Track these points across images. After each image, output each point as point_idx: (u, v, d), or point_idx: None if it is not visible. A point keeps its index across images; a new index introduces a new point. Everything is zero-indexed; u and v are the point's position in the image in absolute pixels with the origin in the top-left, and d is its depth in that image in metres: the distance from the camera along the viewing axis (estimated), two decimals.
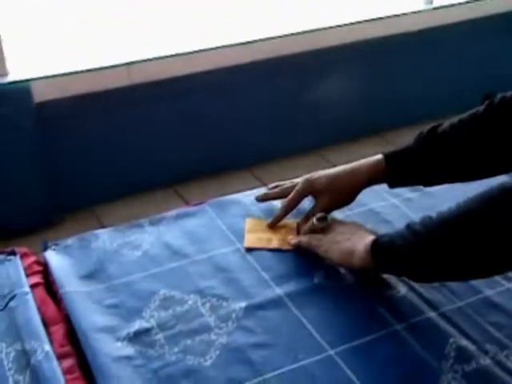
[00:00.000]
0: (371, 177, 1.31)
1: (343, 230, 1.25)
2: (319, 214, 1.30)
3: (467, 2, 3.49)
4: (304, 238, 1.29)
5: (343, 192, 1.33)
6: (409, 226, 1.09)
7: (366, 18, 3.21)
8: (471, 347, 1.04)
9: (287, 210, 1.36)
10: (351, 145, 3.36)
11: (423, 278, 1.12)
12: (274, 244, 1.31)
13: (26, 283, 1.18)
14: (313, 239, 1.27)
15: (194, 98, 2.90)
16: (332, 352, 1.05)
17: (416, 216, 1.33)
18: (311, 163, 3.21)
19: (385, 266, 1.14)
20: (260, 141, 3.14)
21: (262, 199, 1.44)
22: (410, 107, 3.46)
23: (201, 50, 2.83)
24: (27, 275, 1.21)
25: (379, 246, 1.12)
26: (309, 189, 1.35)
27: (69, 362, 1.03)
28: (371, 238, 1.16)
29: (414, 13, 3.40)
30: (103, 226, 2.61)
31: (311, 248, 1.26)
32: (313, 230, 1.29)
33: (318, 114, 3.27)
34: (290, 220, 1.38)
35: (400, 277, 1.19)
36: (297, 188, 1.35)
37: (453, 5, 3.48)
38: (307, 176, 1.36)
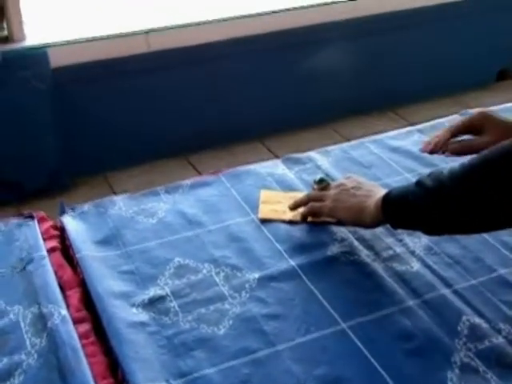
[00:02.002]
0: None
1: (345, 186, 1.25)
2: (318, 176, 1.33)
3: None
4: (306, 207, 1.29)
5: None
6: (419, 181, 1.08)
7: None
8: (484, 325, 1.04)
9: (451, 133, 1.30)
10: (365, 118, 3.35)
11: (436, 230, 1.11)
12: (289, 216, 1.31)
13: (43, 247, 1.19)
14: (314, 202, 1.28)
15: (209, 68, 2.89)
16: (344, 325, 1.06)
17: None
18: (323, 136, 3.21)
19: (397, 221, 1.14)
20: (273, 112, 3.13)
21: (432, 151, 1.33)
22: (424, 83, 3.43)
23: (217, 20, 2.81)
24: (44, 239, 1.22)
25: (391, 202, 1.12)
26: (480, 122, 1.27)
27: (85, 327, 1.05)
28: (379, 193, 1.16)
29: None
30: (115, 193, 2.62)
31: (315, 212, 1.27)
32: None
33: (329, 87, 3.25)
34: (304, 192, 1.38)
35: (411, 230, 1.20)
36: (467, 117, 1.30)
37: None
38: (481, 109, 1.30)
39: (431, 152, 1.33)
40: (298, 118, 3.19)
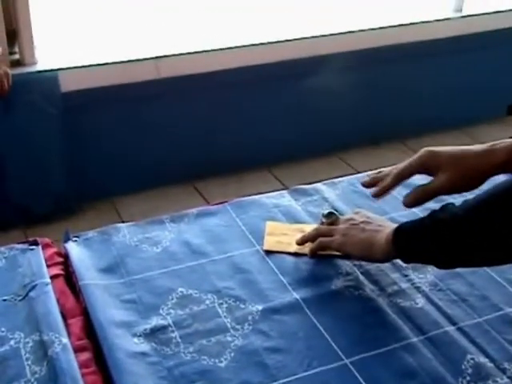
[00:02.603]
0: (508, 159, 1.07)
1: (354, 221, 1.24)
2: (326, 210, 1.32)
3: (496, 12, 3.47)
4: (314, 242, 1.28)
5: (470, 172, 1.10)
6: (432, 215, 1.07)
7: (396, 24, 3.21)
8: (489, 365, 1.03)
9: (398, 179, 1.19)
10: (373, 150, 3.35)
11: (449, 263, 1.09)
12: (294, 248, 1.31)
13: (46, 274, 1.19)
14: (323, 238, 1.26)
15: (219, 95, 2.90)
16: (347, 361, 1.04)
17: None
18: (331, 166, 3.22)
19: (409, 255, 1.13)
20: (281, 141, 3.14)
21: (368, 184, 1.27)
22: (434, 114, 3.45)
23: (226, 48, 2.84)
24: (48, 266, 1.21)
25: (403, 236, 1.10)
26: (429, 161, 1.14)
27: (85, 356, 1.04)
28: (388, 228, 1.15)
29: (443, 20, 3.39)
30: (121, 218, 2.63)
31: (324, 246, 1.26)
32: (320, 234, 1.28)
33: (338, 117, 3.27)
34: (310, 225, 1.37)
35: (423, 263, 1.19)
36: (414, 157, 1.16)
37: (482, 14, 3.46)
38: (426, 148, 1.16)
39: (367, 186, 1.27)
40: (305, 148, 3.20)
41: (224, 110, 2.97)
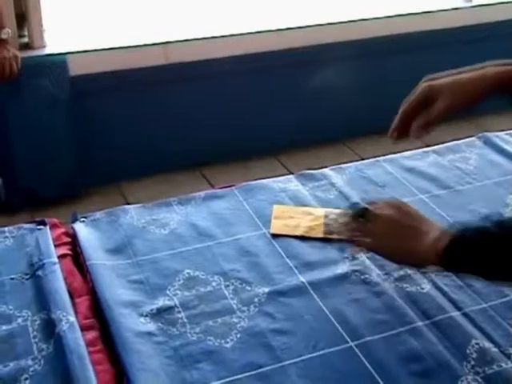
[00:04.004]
0: (497, 84, 1.18)
1: (391, 218, 1.12)
2: (360, 207, 1.19)
3: (506, 2, 3.45)
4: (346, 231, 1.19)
5: (466, 96, 1.18)
6: (482, 229, 1.00)
7: (406, 13, 3.20)
8: (493, 349, 1.03)
9: (404, 118, 1.20)
10: (379, 137, 3.34)
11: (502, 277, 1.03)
12: (300, 231, 1.31)
13: (54, 253, 1.19)
14: (357, 236, 1.15)
15: (226, 82, 2.90)
16: (352, 344, 1.05)
17: (445, 213, 1.34)
18: (337, 153, 3.21)
19: (458, 270, 1.09)
20: (288, 129, 3.14)
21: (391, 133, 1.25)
22: None
23: (234, 35, 2.83)
24: (56, 246, 1.22)
25: (454, 254, 1.00)
26: (429, 94, 1.18)
27: (92, 334, 1.05)
28: (433, 230, 1.05)
29: (453, 9, 3.37)
30: (128, 203, 2.63)
31: (353, 239, 1.16)
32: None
33: (344, 105, 3.25)
34: (318, 208, 1.38)
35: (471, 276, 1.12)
36: (415, 94, 1.19)
37: (491, 4, 3.44)
38: (425, 83, 1.20)
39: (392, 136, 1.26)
40: (312, 135, 3.19)
41: (230, 97, 2.96)
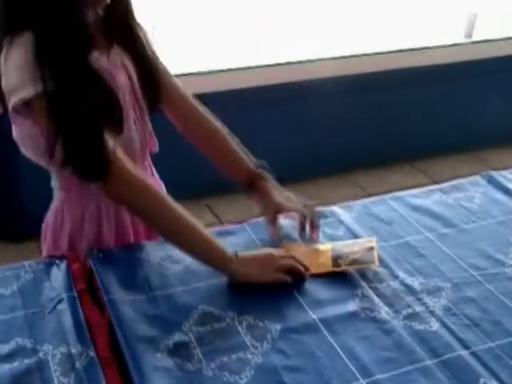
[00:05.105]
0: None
1: None
2: None
3: (506, 38, 3.52)
4: None
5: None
6: None
7: (408, 48, 3.26)
8: None
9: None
10: (382, 170, 3.39)
11: None
12: (313, 270, 1.34)
13: (73, 288, 1.22)
14: None
15: (227, 115, 2.93)
16: (363, 381, 1.08)
17: (451, 252, 1.38)
18: (340, 185, 3.26)
19: None
20: (290, 159, 3.17)
21: None
22: (444, 137, 3.48)
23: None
24: (74, 280, 1.25)
25: None
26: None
27: (111, 369, 1.07)
28: None
29: (454, 45, 3.44)
30: None
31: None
32: None
33: (348, 137, 3.30)
34: (326, 246, 1.41)
35: None
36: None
37: (492, 40, 3.51)
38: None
39: None
40: (314, 166, 3.23)
41: (234, 127, 3.00)
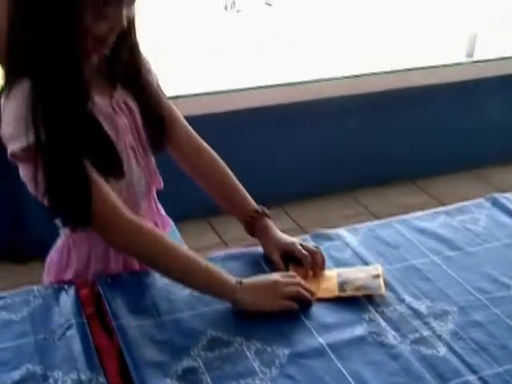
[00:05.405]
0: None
1: None
2: None
3: (508, 57, 3.54)
4: None
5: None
6: None
7: (409, 67, 3.28)
8: None
9: None
10: (384, 189, 3.40)
11: None
12: (319, 294, 1.35)
13: (82, 313, 1.23)
14: None
15: (232, 135, 2.95)
16: None
17: (456, 275, 1.39)
18: (343, 204, 3.27)
19: None
20: (294, 180, 3.19)
21: None
22: (445, 155, 3.50)
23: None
24: (83, 305, 1.26)
25: None
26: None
27: None
28: None
29: (455, 64, 3.46)
30: None
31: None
32: None
33: (350, 157, 3.32)
34: (332, 270, 1.42)
35: None
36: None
37: (493, 60, 3.53)
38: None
39: None
40: (318, 186, 3.25)
41: (237, 148, 3.02)
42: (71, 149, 1.20)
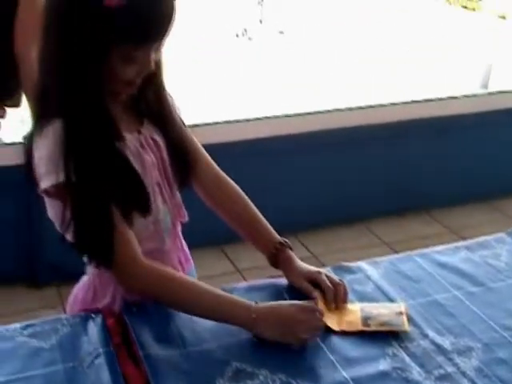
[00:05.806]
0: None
1: None
2: None
3: None
4: None
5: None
6: None
7: (425, 98, 3.31)
8: None
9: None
10: (399, 219, 3.41)
11: None
12: (342, 326, 1.36)
13: (110, 342, 1.24)
14: None
15: (244, 163, 2.96)
16: None
17: (480, 311, 1.39)
18: (357, 234, 3.28)
19: None
20: (306, 209, 3.20)
21: None
22: (460, 186, 3.51)
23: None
24: (110, 335, 1.27)
25: None
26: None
27: None
28: None
29: (471, 96, 3.48)
30: None
31: None
32: None
33: (364, 186, 3.33)
34: (355, 304, 1.42)
35: None
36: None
37: (507, 91, 3.56)
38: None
39: None
40: (332, 215, 3.25)
41: (248, 177, 3.03)
42: (100, 190, 1.23)
